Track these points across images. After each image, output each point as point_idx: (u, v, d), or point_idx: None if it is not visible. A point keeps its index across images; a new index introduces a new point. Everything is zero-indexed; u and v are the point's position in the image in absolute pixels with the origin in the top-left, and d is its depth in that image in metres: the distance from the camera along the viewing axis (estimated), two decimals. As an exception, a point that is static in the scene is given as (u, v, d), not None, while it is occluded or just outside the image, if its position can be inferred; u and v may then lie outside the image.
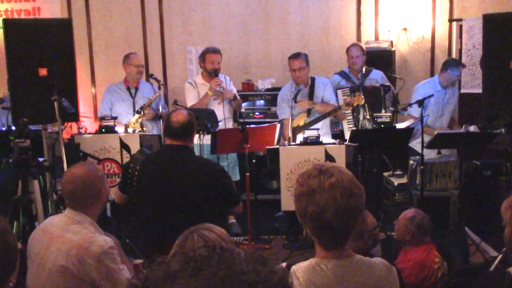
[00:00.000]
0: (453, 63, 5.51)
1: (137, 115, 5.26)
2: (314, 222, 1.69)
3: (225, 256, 0.96)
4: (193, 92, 5.47)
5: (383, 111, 5.18)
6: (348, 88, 5.46)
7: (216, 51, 5.43)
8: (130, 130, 4.84)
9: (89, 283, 2.31)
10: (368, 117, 5.18)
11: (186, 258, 0.96)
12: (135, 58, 5.57)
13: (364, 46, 5.83)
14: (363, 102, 4.98)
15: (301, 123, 5.26)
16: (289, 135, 5.01)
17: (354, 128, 5.23)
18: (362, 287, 1.74)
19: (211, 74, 5.34)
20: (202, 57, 5.47)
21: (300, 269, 1.74)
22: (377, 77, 5.59)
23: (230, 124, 5.62)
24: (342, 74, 5.68)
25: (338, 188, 1.67)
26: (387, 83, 5.66)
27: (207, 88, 5.34)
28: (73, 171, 2.56)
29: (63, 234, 2.38)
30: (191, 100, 5.44)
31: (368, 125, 5.20)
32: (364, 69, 5.65)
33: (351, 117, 5.43)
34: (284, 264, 1.80)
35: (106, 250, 2.31)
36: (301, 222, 1.76)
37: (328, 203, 1.66)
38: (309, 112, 5.29)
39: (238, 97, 5.66)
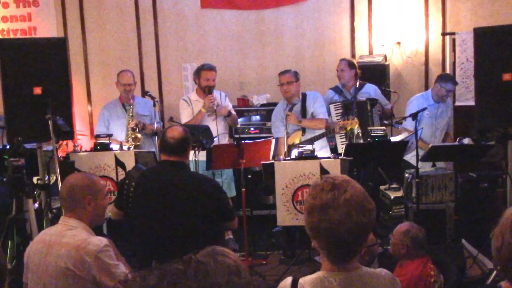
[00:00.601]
0: (443, 77, 5.56)
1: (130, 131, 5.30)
2: (326, 237, 1.70)
3: (201, 269, 0.98)
4: (187, 109, 5.51)
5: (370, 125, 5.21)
6: (340, 103, 5.49)
7: (211, 68, 5.47)
8: (125, 147, 4.84)
9: (91, 281, 2.44)
10: (359, 133, 5.19)
11: (162, 272, 0.98)
12: (124, 76, 5.58)
13: (355, 61, 5.86)
14: (356, 126, 5.04)
15: (296, 141, 5.27)
16: (285, 152, 5.03)
17: (347, 143, 5.26)
18: None
19: (205, 91, 5.38)
20: (197, 73, 5.51)
21: (307, 281, 1.74)
22: (370, 91, 5.61)
23: (225, 140, 5.63)
24: (335, 89, 5.72)
25: (353, 205, 1.67)
26: (381, 97, 5.69)
27: (201, 105, 5.38)
28: (69, 176, 2.72)
29: (60, 240, 2.50)
30: (185, 117, 5.48)
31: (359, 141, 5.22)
32: (358, 84, 5.68)
33: (343, 132, 5.46)
34: (290, 278, 1.78)
35: (102, 248, 2.46)
36: (311, 236, 1.76)
37: (342, 220, 1.66)
38: (303, 130, 5.32)
39: (234, 113, 5.68)
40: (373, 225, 1.75)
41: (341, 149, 5.25)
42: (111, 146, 4.73)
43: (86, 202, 2.58)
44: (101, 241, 2.49)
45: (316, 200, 1.71)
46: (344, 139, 5.39)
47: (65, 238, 2.50)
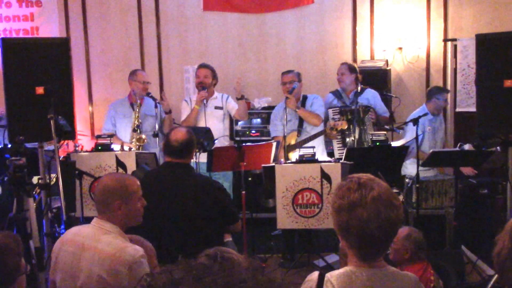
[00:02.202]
0: (437, 91, 5.60)
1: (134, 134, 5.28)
2: (357, 235, 1.72)
3: (226, 264, 1.00)
4: (186, 109, 5.59)
5: (356, 132, 5.21)
6: (338, 108, 5.49)
7: (202, 66, 5.54)
8: (126, 148, 4.83)
9: None
10: (356, 137, 5.22)
11: (188, 266, 0.99)
12: (141, 74, 5.58)
13: (356, 65, 5.85)
14: (346, 127, 5.09)
15: (292, 142, 5.30)
16: (283, 155, 5.05)
17: (342, 148, 5.34)
18: None
19: (199, 88, 5.45)
20: (195, 73, 5.61)
21: (334, 276, 1.76)
22: (368, 96, 5.55)
23: (226, 142, 5.64)
24: (335, 93, 5.72)
25: (381, 202, 1.71)
26: (379, 104, 5.68)
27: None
28: (103, 177, 2.66)
29: (96, 245, 2.44)
30: (183, 116, 5.55)
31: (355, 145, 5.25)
32: (359, 89, 5.67)
33: (341, 143, 5.51)
34: (316, 273, 1.79)
35: (137, 259, 2.38)
36: (340, 236, 1.78)
37: (371, 217, 1.70)
38: (299, 131, 5.34)
39: (240, 101, 5.56)
40: (401, 221, 1.79)
41: (338, 154, 5.30)
42: (112, 145, 4.73)
43: (116, 207, 2.50)
44: (136, 251, 2.41)
45: (344, 200, 1.74)
46: (341, 145, 5.43)
47: (100, 244, 2.42)
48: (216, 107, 5.55)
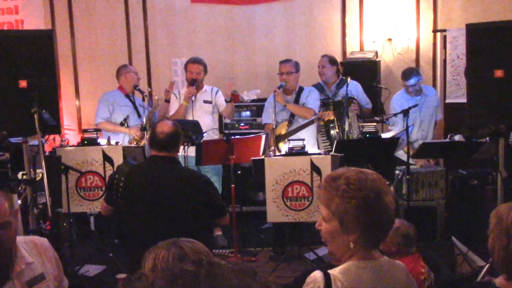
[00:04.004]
0: (404, 75, 5.57)
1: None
2: (379, 222, 1.72)
3: (213, 271, 0.90)
4: (175, 103, 5.51)
5: (346, 123, 5.19)
6: (321, 101, 5.46)
7: (194, 61, 5.45)
8: (113, 142, 4.77)
9: None
10: (345, 128, 5.21)
11: (171, 275, 0.90)
12: (132, 66, 5.68)
13: (336, 58, 5.80)
14: (333, 118, 5.09)
15: (283, 131, 5.29)
16: (273, 143, 5.04)
17: (326, 140, 5.38)
18: (397, 285, 1.79)
19: (190, 83, 5.36)
20: (185, 67, 5.52)
21: (339, 271, 1.73)
22: (351, 88, 5.50)
23: (215, 136, 5.59)
24: (317, 86, 5.69)
25: (384, 184, 1.76)
26: (362, 95, 5.66)
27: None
28: None
29: None
30: (172, 110, 5.49)
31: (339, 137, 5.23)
32: (339, 80, 5.65)
33: (326, 136, 5.49)
34: (318, 272, 1.73)
35: None
36: (354, 231, 1.73)
37: (391, 200, 1.74)
38: (290, 121, 5.31)
39: (229, 104, 5.53)
40: None
41: (323, 147, 5.34)
42: (115, 134, 4.71)
43: None
44: None
45: (363, 192, 1.70)
46: (325, 138, 5.43)
47: None
48: (205, 101, 5.49)
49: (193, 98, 5.34)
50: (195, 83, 5.34)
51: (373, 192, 1.71)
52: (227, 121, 6.13)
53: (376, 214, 1.71)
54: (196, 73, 5.38)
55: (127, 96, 5.53)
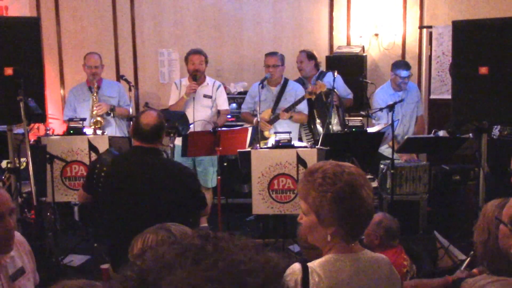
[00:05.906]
0: (397, 64, 5.63)
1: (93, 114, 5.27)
2: (357, 216, 1.74)
3: (219, 245, 0.92)
4: (175, 92, 5.50)
5: (333, 116, 5.24)
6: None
7: (196, 52, 5.43)
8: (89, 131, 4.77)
9: None
10: (333, 121, 5.25)
11: (180, 247, 0.92)
12: (90, 59, 5.47)
13: (313, 52, 5.79)
14: (325, 89, 5.12)
15: (266, 117, 5.34)
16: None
17: (309, 134, 5.45)
18: (378, 279, 1.80)
19: (191, 76, 5.32)
20: (186, 60, 5.46)
21: (318, 266, 1.73)
22: (330, 80, 5.48)
23: (209, 128, 5.57)
24: (299, 81, 5.73)
25: (362, 176, 1.77)
26: (342, 87, 5.69)
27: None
28: None
29: None
30: (172, 100, 5.48)
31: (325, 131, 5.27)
32: (317, 74, 5.69)
33: (308, 129, 5.53)
34: (297, 264, 1.73)
35: None
36: (333, 223, 1.74)
37: (368, 194, 1.75)
38: (273, 110, 5.37)
39: (225, 108, 5.60)
40: None
41: (306, 141, 5.38)
42: (85, 130, 4.64)
43: None
44: None
45: (337, 185, 1.71)
46: (308, 131, 5.47)
47: None
48: (205, 96, 5.44)
49: (194, 94, 5.31)
50: (196, 76, 5.30)
51: (348, 185, 1.71)
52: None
53: (352, 207, 1.72)
54: (198, 63, 5.34)
55: (90, 88, 5.45)
